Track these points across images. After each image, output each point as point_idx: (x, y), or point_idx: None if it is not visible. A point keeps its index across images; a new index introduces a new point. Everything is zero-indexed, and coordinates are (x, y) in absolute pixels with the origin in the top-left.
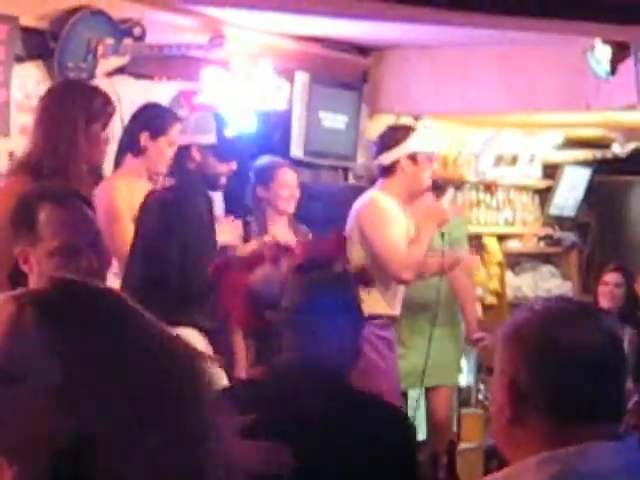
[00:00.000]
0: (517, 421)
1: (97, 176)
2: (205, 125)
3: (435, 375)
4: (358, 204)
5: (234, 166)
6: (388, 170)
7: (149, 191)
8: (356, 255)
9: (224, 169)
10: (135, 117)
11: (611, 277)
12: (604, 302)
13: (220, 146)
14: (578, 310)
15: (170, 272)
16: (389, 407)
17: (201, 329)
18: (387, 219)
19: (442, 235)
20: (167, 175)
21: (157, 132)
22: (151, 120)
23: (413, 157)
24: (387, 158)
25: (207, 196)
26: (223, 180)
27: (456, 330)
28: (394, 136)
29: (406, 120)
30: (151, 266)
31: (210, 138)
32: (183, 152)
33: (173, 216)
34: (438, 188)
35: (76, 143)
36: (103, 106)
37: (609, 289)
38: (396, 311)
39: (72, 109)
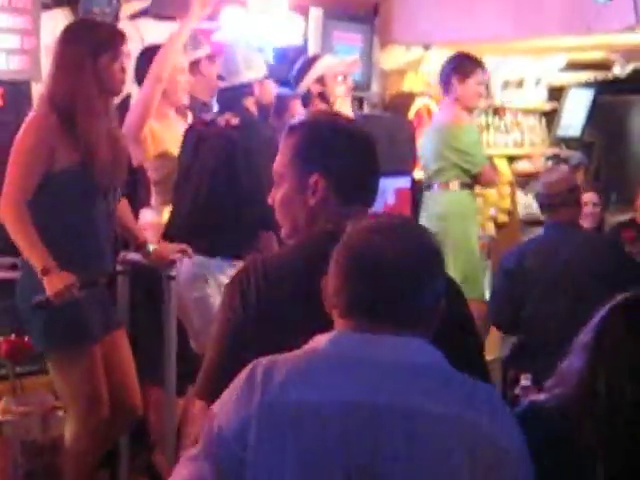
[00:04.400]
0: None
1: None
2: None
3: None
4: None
5: None
6: (307, 98)
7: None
8: None
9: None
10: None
11: (588, 197)
12: (585, 222)
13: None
14: (386, 223)
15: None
16: None
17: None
18: None
19: None
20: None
21: None
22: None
23: (321, 80)
24: (302, 87)
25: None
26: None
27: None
28: (302, 67)
29: (416, 50)
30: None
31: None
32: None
33: None
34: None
35: (81, 77)
36: (108, 38)
37: (589, 210)
38: None
39: (75, 45)
